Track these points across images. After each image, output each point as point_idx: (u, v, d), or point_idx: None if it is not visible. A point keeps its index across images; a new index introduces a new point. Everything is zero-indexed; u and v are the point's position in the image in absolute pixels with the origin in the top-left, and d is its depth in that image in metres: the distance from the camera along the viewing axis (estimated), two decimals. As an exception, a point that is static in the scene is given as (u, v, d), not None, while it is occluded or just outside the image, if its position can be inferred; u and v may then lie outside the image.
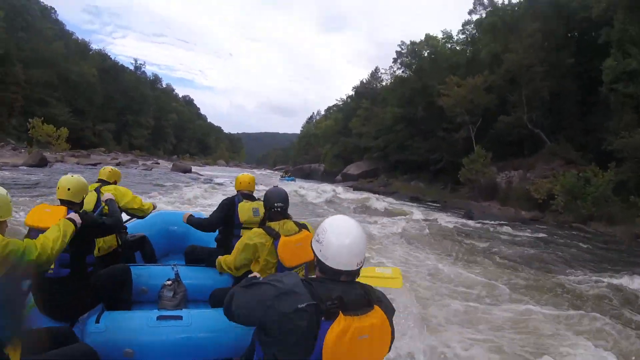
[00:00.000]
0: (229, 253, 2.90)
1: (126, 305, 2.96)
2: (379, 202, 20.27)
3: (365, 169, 52.62)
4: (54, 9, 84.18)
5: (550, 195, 20.87)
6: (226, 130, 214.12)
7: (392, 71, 54.43)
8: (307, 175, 69.13)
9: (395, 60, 50.66)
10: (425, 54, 46.44)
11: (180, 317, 2.59)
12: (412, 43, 47.42)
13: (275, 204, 2.90)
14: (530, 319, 5.23)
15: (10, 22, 58.78)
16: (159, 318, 2.55)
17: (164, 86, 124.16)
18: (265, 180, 36.69)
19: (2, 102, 55.05)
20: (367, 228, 10.79)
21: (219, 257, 2.96)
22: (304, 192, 22.86)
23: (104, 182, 4.01)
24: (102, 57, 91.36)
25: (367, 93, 61.68)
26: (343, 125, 66.19)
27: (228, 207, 3.72)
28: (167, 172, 30.55)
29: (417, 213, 16.91)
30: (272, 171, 78.81)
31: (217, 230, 3.87)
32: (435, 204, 28.31)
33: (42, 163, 22.31)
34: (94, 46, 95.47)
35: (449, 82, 34.40)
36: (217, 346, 2.55)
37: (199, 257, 3.84)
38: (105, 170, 4.17)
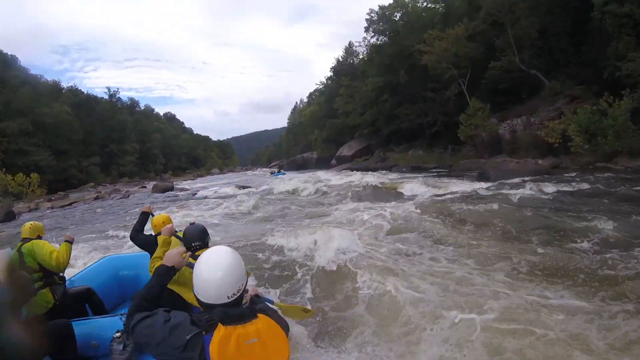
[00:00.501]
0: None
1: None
2: (375, 179, 18.30)
3: (358, 148, 50.67)
4: (15, 56, 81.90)
5: (565, 137, 18.88)
6: (215, 138, 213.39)
7: (366, 42, 52.06)
8: (302, 166, 67.06)
9: (367, 30, 48.22)
10: (397, 17, 43.98)
11: None
12: (382, 8, 45.04)
13: (193, 244, 3.12)
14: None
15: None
16: None
17: (143, 108, 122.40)
18: (257, 180, 37.73)
19: (-20, 160, 53.10)
20: (377, 223, 8.87)
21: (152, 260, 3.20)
22: (292, 185, 20.93)
23: (25, 240, 3.79)
24: (74, 93, 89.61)
25: (345, 70, 59.37)
26: (327, 108, 63.87)
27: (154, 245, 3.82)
28: (146, 195, 28.52)
29: (421, 187, 14.88)
30: (267, 169, 77.34)
31: None
32: (441, 170, 26.38)
33: (9, 217, 20.31)
34: (65, 84, 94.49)
35: (427, 37, 32.20)
36: None
37: None
38: (26, 228, 3.94)
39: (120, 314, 3.30)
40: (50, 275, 3.67)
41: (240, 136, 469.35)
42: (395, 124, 41.90)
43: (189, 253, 2.44)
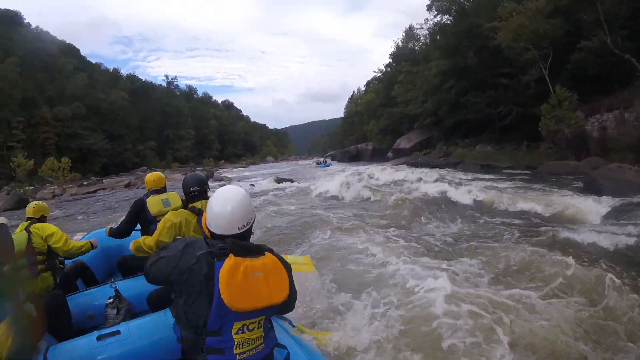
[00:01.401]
0: None
1: (70, 332, 2.82)
2: (446, 185, 13.25)
3: (417, 140, 45.67)
4: (72, 44, 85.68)
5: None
6: (272, 126, 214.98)
7: (428, 24, 46.30)
8: (355, 157, 62.45)
9: (429, 8, 41.57)
10: (464, -10, 37.92)
11: (118, 332, 2.44)
12: (446, -19, 39.21)
13: (192, 189, 3.11)
14: None
15: (28, 66, 59.74)
16: (99, 338, 2.39)
17: (200, 95, 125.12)
18: (303, 171, 37.68)
19: (33, 144, 55.13)
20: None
21: (137, 240, 3.08)
22: (333, 186, 15.50)
23: (32, 220, 3.65)
24: (131, 80, 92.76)
25: (406, 55, 54.24)
26: (385, 96, 59.07)
27: (138, 207, 3.78)
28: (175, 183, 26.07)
29: (508, 198, 10.23)
30: (321, 158, 74.64)
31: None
32: (520, 172, 21.82)
33: (22, 205, 18.51)
34: (124, 72, 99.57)
35: (501, 12, 27.15)
36: (157, 351, 2.40)
37: (132, 266, 3.72)
38: (30, 207, 3.78)
39: (110, 282, 3.29)
40: (54, 259, 3.58)
41: (297, 125, 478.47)
42: (461, 114, 36.41)
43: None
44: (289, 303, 1.96)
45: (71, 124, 62.38)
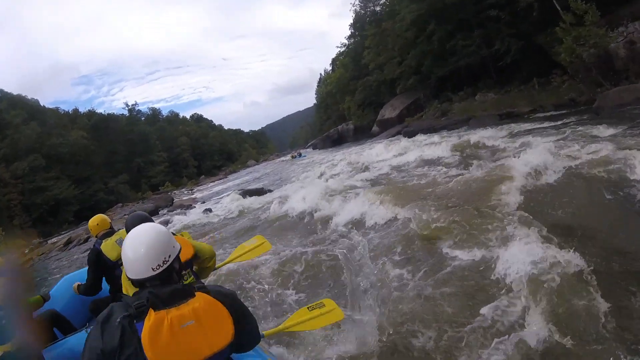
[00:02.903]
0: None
1: None
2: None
3: (403, 106, 40.35)
4: (20, 95, 79.54)
5: None
6: (248, 129, 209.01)
7: None
8: (337, 141, 57.32)
9: None
10: None
11: None
12: None
13: None
14: None
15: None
16: None
17: (166, 115, 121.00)
18: (281, 170, 35.12)
19: (-2, 209, 51.16)
20: None
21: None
22: (311, 194, 9.98)
23: None
24: (89, 117, 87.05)
25: (368, 18, 49.74)
26: (355, 68, 54.02)
27: (95, 257, 3.68)
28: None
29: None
30: (304, 150, 69.30)
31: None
32: (560, 113, 17.14)
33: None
34: (94, 109, 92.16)
35: None
36: None
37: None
38: None
39: (87, 328, 3.28)
40: None
41: (274, 122, 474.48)
42: (450, 64, 31.69)
43: None
44: (241, 341, 1.70)
45: (32, 178, 58.11)
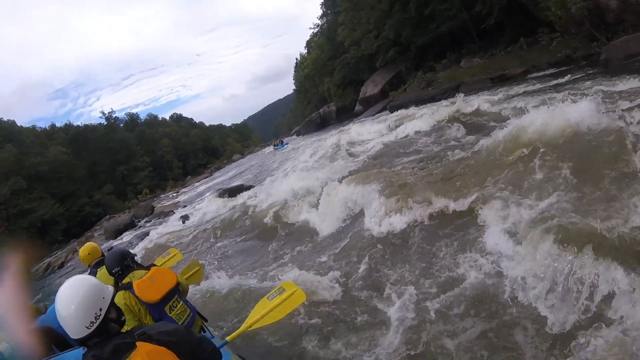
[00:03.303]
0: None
1: None
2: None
3: (385, 81, 39.08)
4: None
5: None
6: (230, 123, 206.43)
7: None
8: (321, 125, 55.78)
9: None
10: None
11: None
12: None
13: (113, 271, 3.07)
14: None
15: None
16: None
17: (144, 118, 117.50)
18: (264, 162, 34.58)
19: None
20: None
21: None
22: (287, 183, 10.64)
23: None
24: (66, 131, 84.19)
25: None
26: (331, 48, 52.85)
27: None
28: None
29: None
30: (287, 138, 67.88)
31: None
32: (561, 70, 16.39)
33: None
34: (68, 123, 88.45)
35: None
36: None
37: None
38: None
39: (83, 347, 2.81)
40: None
41: (256, 113, 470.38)
42: (430, 31, 30.54)
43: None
44: None
45: (16, 202, 56.83)
